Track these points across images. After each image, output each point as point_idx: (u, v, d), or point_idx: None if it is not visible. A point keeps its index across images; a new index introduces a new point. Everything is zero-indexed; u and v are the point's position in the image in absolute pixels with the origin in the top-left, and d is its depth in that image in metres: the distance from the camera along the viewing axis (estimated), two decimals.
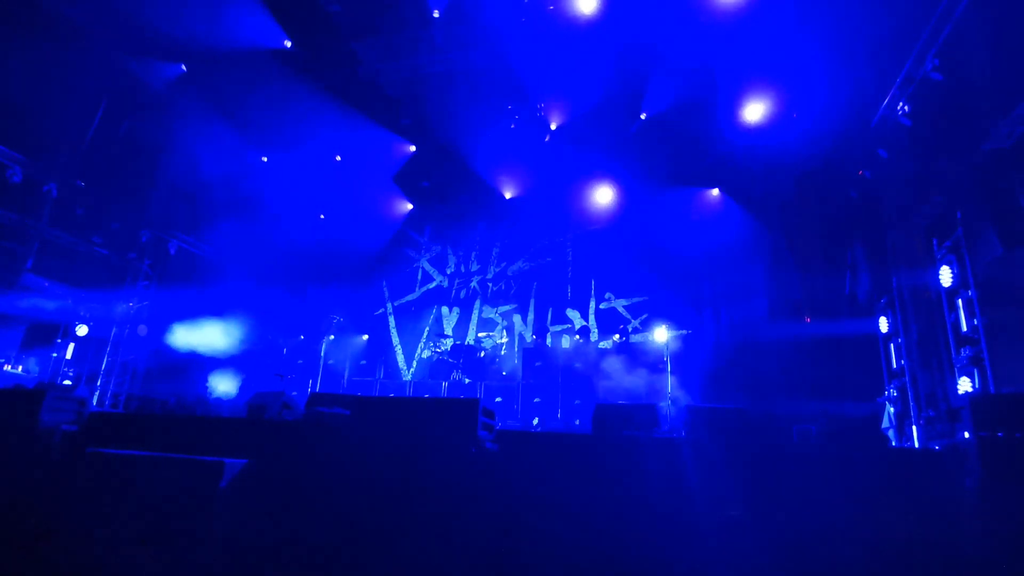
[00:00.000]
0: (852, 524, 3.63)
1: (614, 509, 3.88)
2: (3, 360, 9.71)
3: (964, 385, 6.47)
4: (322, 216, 15.49)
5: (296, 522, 4.13)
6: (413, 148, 14.29)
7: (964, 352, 6.53)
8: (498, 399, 10.97)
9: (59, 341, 10.87)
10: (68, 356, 10.96)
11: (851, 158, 10.28)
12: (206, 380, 11.76)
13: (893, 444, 8.03)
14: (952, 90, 7.35)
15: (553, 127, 13.04)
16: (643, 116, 12.44)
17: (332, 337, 12.53)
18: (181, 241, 13.18)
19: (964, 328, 6.56)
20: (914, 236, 8.38)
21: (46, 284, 10.62)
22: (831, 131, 10.86)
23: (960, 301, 6.67)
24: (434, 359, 12.70)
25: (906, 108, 8.33)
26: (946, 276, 6.88)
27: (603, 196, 13.76)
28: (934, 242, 7.30)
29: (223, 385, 11.80)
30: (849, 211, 10.63)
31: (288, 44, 11.99)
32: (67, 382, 10.72)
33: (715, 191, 12.82)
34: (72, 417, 5.03)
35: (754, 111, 11.57)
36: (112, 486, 3.99)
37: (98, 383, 11.60)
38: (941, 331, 7.47)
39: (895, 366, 8.61)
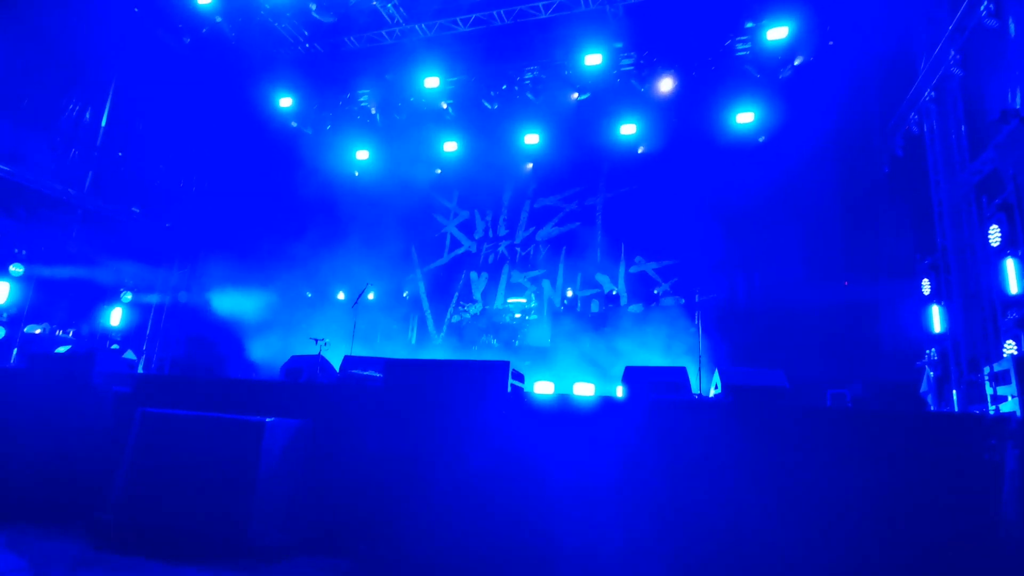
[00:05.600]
0: (889, 490, 3.60)
1: (643, 474, 3.92)
2: (54, 326, 10.17)
3: (1010, 349, 6.25)
4: (356, 173, 15.46)
5: (332, 474, 4.30)
6: (446, 105, 14.00)
7: (1010, 315, 6.29)
8: (527, 362, 11.08)
9: (105, 307, 11.33)
10: (114, 323, 11.42)
11: (897, 112, 9.80)
12: (246, 344, 12.13)
13: (932, 408, 7.87)
14: (1007, 38, 6.88)
15: (576, 96, 12.74)
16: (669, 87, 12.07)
17: (367, 298, 12.72)
18: (220, 206, 13.44)
19: (1013, 290, 6.30)
20: (962, 194, 8.01)
21: (91, 252, 11.00)
22: (876, 79, 10.35)
23: (1009, 261, 6.39)
24: (463, 324, 12.84)
25: (957, 57, 7.86)
26: (995, 235, 6.58)
27: (634, 156, 13.44)
28: (983, 200, 6.97)
29: (261, 349, 12.17)
30: (893, 168, 10.18)
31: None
32: (115, 346, 11.20)
33: (760, 139, 12.26)
34: (123, 379, 5.28)
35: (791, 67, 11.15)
36: (162, 443, 4.20)
37: (143, 347, 12.10)
38: (987, 293, 7.20)
39: (936, 329, 8.36)
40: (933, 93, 8.58)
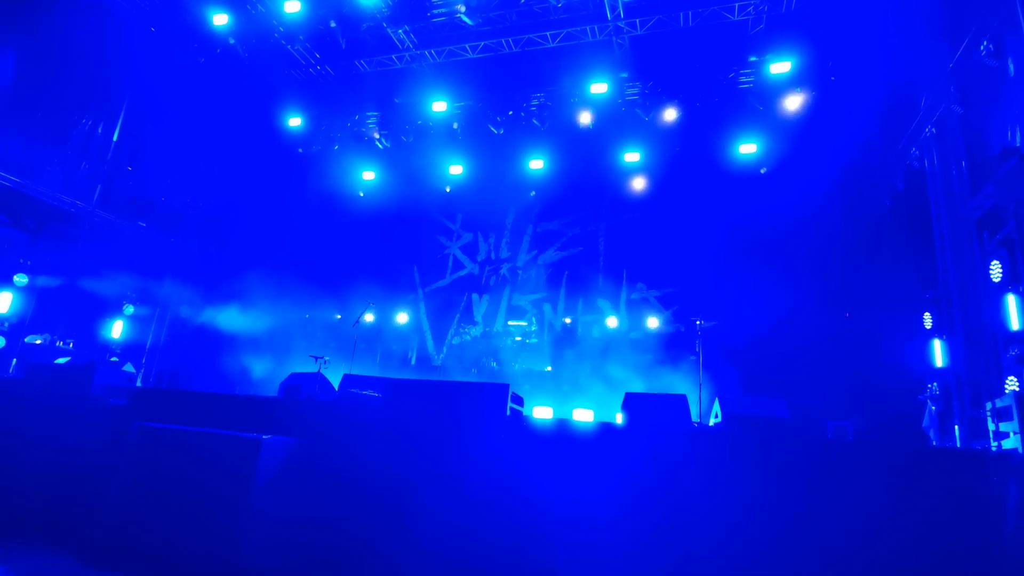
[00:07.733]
0: (891, 524, 3.55)
1: (643, 504, 3.88)
2: (55, 337, 10.15)
3: (1012, 384, 6.22)
4: (361, 194, 15.56)
5: (329, 494, 4.25)
6: (456, 125, 14.16)
7: (1012, 351, 6.28)
8: (526, 386, 11.03)
9: (107, 319, 11.34)
10: (115, 335, 11.41)
11: (898, 147, 9.91)
12: (245, 359, 12.10)
13: (934, 443, 7.80)
14: (1007, 77, 7.00)
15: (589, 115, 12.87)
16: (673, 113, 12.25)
17: (366, 320, 12.74)
18: (225, 223, 13.54)
19: (1014, 326, 6.29)
20: (963, 229, 8.05)
21: (95, 264, 11.05)
22: (877, 114, 10.49)
23: (1010, 297, 6.40)
24: (464, 345, 12.81)
25: (957, 95, 7.98)
26: (996, 271, 6.61)
27: (638, 183, 13.56)
28: (984, 235, 7.01)
29: (261, 365, 12.14)
30: (894, 201, 10.26)
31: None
32: (114, 359, 11.18)
33: (762, 170, 12.40)
34: (121, 392, 5.27)
35: (794, 101, 11.33)
36: (158, 458, 4.17)
37: (143, 360, 12.07)
38: (989, 328, 7.19)
39: (938, 363, 8.33)
40: (934, 129, 8.68)
